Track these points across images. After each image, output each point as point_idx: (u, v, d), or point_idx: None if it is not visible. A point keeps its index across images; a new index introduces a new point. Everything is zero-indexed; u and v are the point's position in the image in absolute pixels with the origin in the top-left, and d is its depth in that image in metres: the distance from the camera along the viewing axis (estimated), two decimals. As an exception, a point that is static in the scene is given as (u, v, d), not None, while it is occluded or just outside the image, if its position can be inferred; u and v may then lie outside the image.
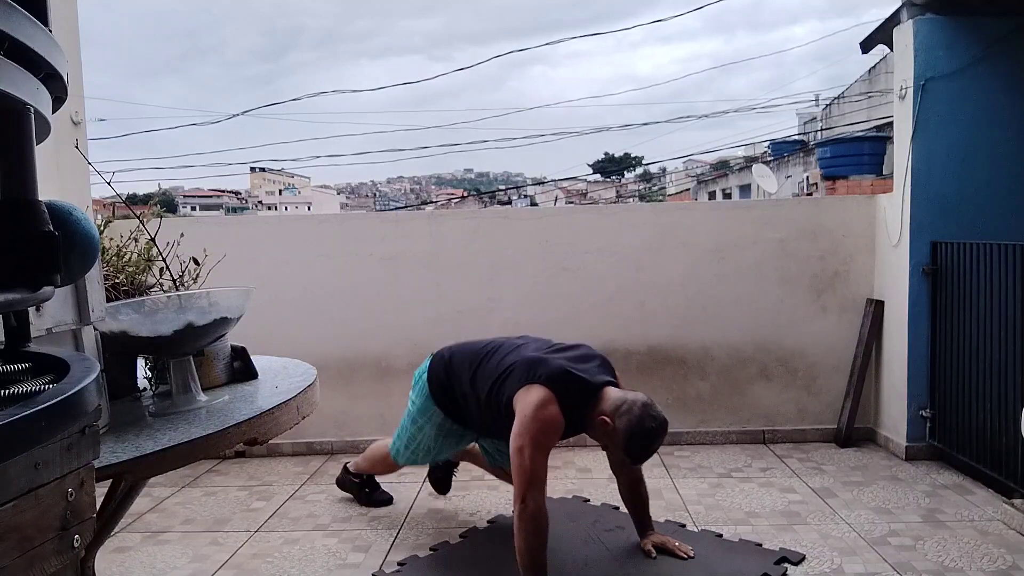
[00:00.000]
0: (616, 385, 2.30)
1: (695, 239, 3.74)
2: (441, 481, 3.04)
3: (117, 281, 1.83)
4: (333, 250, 3.77)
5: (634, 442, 2.14)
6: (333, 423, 3.75)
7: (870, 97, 13.93)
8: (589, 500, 2.99)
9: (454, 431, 2.61)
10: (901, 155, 3.39)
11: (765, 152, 20.70)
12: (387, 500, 3.04)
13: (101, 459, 1.17)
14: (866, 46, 3.75)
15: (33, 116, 0.83)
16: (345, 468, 3.11)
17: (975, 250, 3.06)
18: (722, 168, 25.68)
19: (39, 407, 0.69)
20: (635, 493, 2.50)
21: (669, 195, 30.47)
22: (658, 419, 2.14)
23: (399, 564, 2.50)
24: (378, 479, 3.08)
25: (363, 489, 3.05)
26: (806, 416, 3.78)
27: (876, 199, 3.71)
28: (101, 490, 1.10)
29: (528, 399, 2.16)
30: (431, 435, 2.61)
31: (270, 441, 1.73)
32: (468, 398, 2.45)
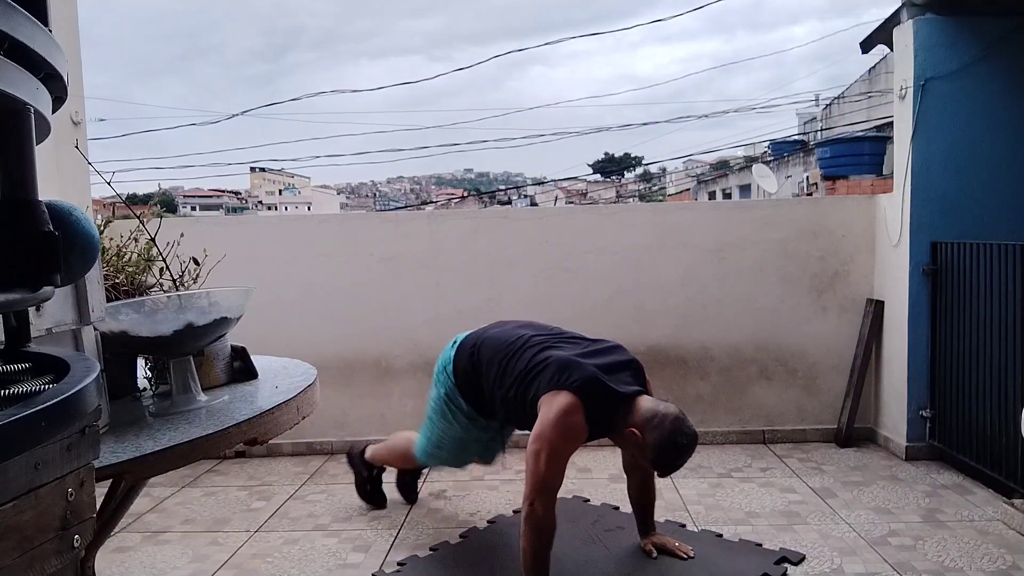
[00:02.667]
0: (647, 392, 2.25)
1: (695, 239, 3.74)
2: (409, 486, 3.04)
3: (117, 281, 1.83)
4: (333, 250, 3.77)
5: (663, 457, 2.10)
6: (333, 423, 3.75)
7: (870, 97, 13.94)
8: (589, 500, 2.99)
9: (479, 422, 2.56)
10: (901, 155, 3.39)
11: (765, 152, 20.70)
12: (381, 503, 3.02)
13: (101, 459, 1.17)
14: (866, 46, 3.75)
15: (33, 116, 0.83)
16: (363, 453, 3.04)
17: (975, 250, 3.06)
18: (722, 168, 25.70)
19: (39, 407, 0.69)
20: (644, 493, 2.49)
21: (669, 195, 30.48)
22: (689, 434, 2.10)
23: (399, 564, 2.50)
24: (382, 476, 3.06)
25: (365, 485, 3.03)
26: (806, 416, 3.78)
27: (876, 199, 3.71)
28: (101, 490, 1.10)
29: (554, 404, 2.12)
30: (462, 425, 2.54)
31: (270, 441, 1.73)
32: (494, 389, 2.39)
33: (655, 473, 2.27)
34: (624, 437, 2.16)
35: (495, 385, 2.38)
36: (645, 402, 2.16)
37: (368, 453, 3.02)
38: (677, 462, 2.12)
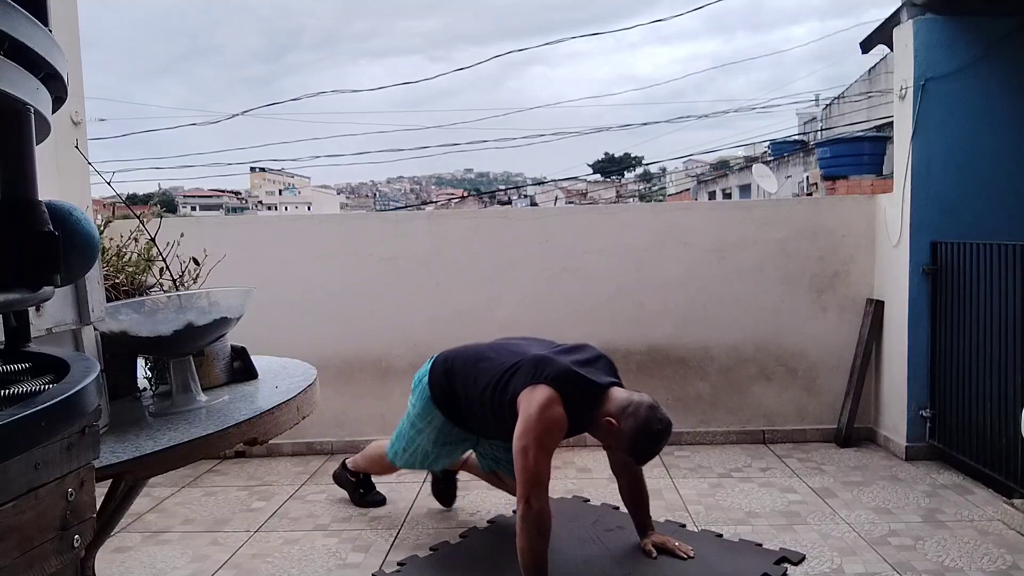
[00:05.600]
0: (620, 386, 2.31)
1: (695, 239, 3.74)
2: (444, 493, 3.02)
3: (117, 281, 1.83)
4: (333, 250, 3.77)
5: (639, 444, 2.17)
6: (333, 423, 3.75)
7: (870, 97, 13.93)
8: (589, 500, 2.99)
9: (453, 435, 2.60)
10: (901, 155, 3.39)
11: (765, 152, 20.71)
12: (380, 501, 3.04)
13: (101, 459, 1.17)
14: (866, 46, 3.75)
15: (33, 116, 0.83)
16: (343, 464, 3.10)
17: (975, 250, 3.06)
18: (722, 168, 25.68)
19: (39, 407, 0.69)
20: (635, 493, 2.50)
21: (669, 195, 30.48)
22: (664, 421, 2.17)
23: (399, 564, 2.50)
24: (374, 479, 3.07)
25: (357, 489, 3.05)
26: (806, 416, 3.78)
27: (876, 199, 3.71)
28: (101, 490, 1.10)
29: (533, 399, 2.16)
30: (430, 439, 2.60)
31: (270, 441, 1.73)
32: (471, 398, 2.44)
33: (636, 462, 2.32)
34: (600, 427, 2.22)
35: (471, 390, 2.43)
36: (619, 392, 2.24)
37: (350, 464, 3.08)
38: (653, 449, 2.20)
